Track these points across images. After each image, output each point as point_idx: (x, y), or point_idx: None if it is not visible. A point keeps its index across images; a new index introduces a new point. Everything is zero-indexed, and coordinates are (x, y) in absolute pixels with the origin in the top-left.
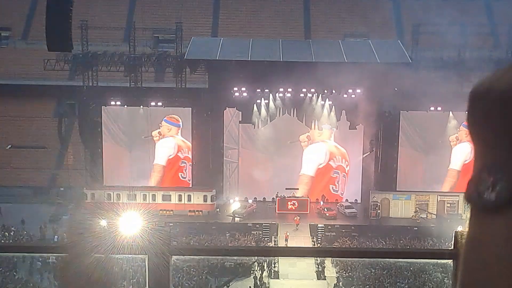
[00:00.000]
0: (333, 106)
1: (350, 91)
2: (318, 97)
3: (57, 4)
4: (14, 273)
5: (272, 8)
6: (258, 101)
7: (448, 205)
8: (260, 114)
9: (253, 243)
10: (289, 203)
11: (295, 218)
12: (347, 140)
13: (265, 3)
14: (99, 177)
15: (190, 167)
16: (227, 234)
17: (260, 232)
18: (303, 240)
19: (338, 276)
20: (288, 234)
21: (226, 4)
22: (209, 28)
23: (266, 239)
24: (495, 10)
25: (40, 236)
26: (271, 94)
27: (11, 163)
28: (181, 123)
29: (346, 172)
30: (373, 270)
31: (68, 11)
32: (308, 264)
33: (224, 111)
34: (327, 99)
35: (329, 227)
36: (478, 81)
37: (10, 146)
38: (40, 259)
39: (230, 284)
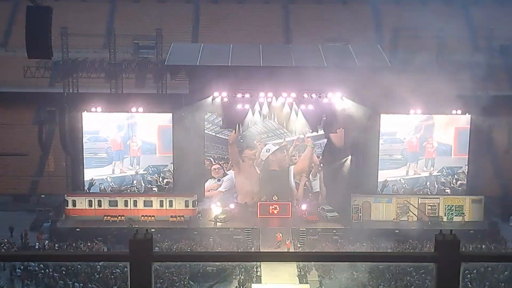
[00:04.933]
0: (314, 110)
1: (330, 95)
2: (299, 102)
3: (37, 11)
4: None
5: (252, 14)
6: (239, 106)
7: (429, 207)
8: (240, 119)
9: (235, 248)
10: (270, 207)
11: (278, 235)
12: (328, 143)
13: (245, 8)
14: (80, 184)
15: None
16: (211, 239)
17: (242, 237)
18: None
19: (320, 280)
20: (281, 235)
21: (206, 10)
22: (189, 34)
23: (248, 243)
24: (473, 14)
25: (21, 243)
26: (251, 99)
27: None
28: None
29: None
30: (355, 273)
31: (48, 18)
32: (290, 268)
33: (205, 116)
34: (308, 103)
35: (311, 230)
36: None
37: None
38: (22, 267)
39: None
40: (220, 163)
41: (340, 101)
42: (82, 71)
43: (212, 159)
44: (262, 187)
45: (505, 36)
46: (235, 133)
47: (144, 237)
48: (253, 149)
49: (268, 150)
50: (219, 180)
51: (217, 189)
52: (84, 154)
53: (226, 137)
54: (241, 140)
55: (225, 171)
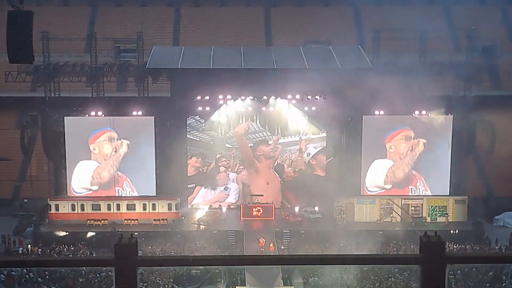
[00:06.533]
0: (296, 113)
1: (311, 97)
2: (280, 104)
3: (18, 16)
4: None
5: (232, 16)
6: (221, 108)
7: (413, 208)
8: (222, 121)
9: (219, 251)
10: (254, 209)
11: (261, 240)
12: (310, 145)
13: (225, 11)
14: (63, 188)
15: None
16: (196, 242)
17: (226, 240)
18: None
19: (305, 282)
20: (264, 240)
21: (187, 13)
22: (170, 37)
23: (232, 246)
24: (454, 14)
25: (4, 248)
26: (233, 102)
27: None
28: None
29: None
30: (340, 275)
31: (29, 22)
32: (274, 271)
33: (187, 119)
34: (289, 106)
35: (295, 232)
36: None
37: None
38: (5, 272)
39: None
40: (225, 164)
41: (322, 103)
42: (64, 75)
43: (200, 159)
44: (298, 196)
45: (487, 36)
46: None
47: (129, 242)
48: (268, 145)
49: (308, 154)
50: (226, 188)
51: (224, 200)
52: (67, 158)
53: (209, 139)
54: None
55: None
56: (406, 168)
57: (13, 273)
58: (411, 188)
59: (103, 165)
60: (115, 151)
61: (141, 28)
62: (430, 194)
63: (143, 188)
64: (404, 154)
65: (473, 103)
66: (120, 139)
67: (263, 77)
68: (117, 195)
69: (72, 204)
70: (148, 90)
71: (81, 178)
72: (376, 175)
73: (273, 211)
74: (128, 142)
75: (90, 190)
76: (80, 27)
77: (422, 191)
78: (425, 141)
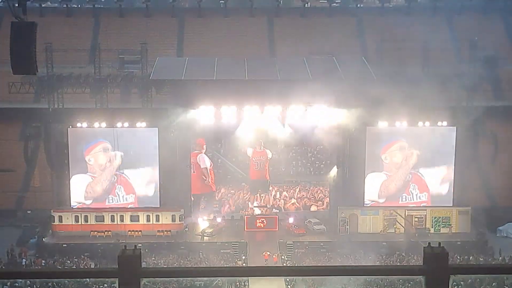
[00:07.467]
0: (300, 123)
1: (315, 107)
2: (284, 115)
3: (22, 27)
4: None
5: (236, 27)
6: (224, 119)
7: (416, 219)
8: (226, 132)
9: (222, 262)
10: (257, 221)
11: (265, 253)
12: (314, 156)
13: (229, 22)
14: (67, 199)
15: None
16: (200, 253)
17: (229, 251)
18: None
19: None
20: (268, 254)
21: (190, 23)
22: (174, 48)
23: (235, 257)
24: (457, 25)
25: (8, 259)
26: (237, 113)
27: None
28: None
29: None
30: (344, 287)
31: (33, 33)
32: (278, 282)
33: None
34: (294, 116)
35: (298, 244)
36: None
37: None
38: (8, 283)
39: None
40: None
41: (326, 113)
42: (67, 86)
43: None
44: None
45: (489, 46)
46: None
47: (133, 253)
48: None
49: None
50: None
51: None
52: (70, 169)
53: (212, 150)
54: None
55: None
56: (398, 183)
57: (17, 284)
58: (404, 196)
59: (97, 180)
60: (110, 162)
61: (145, 39)
62: (427, 195)
63: (146, 199)
64: (398, 165)
65: (476, 113)
66: (114, 151)
67: (267, 88)
68: (107, 203)
69: (75, 216)
70: (152, 101)
71: (75, 191)
72: (370, 189)
73: (277, 222)
74: (122, 154)
75: (84, 204)
76: (84, 38)
77: (417, 194)
78: (418, 152)
